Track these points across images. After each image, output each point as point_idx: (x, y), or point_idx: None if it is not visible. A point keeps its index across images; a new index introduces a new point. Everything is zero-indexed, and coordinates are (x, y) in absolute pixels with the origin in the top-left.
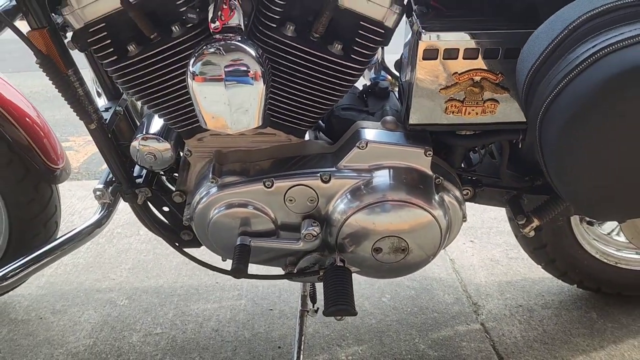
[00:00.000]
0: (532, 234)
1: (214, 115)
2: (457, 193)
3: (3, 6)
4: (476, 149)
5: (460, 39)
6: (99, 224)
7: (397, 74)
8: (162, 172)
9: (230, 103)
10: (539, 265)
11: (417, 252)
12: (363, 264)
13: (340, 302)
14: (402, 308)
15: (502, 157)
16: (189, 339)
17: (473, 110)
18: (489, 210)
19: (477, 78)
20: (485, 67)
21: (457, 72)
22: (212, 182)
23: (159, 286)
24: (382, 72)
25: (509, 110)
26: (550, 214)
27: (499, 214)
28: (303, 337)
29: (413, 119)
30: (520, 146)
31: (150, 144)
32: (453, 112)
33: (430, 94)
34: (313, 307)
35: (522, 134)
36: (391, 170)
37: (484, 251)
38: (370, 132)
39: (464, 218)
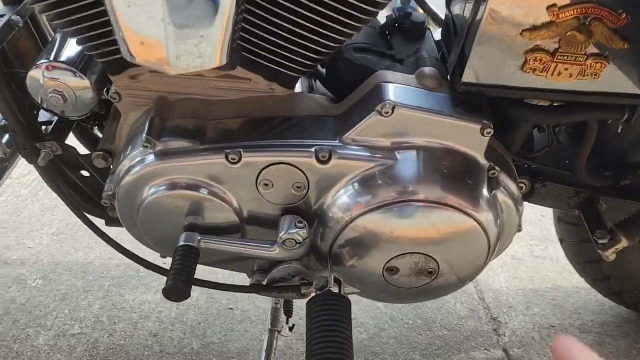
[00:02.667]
0: (613, 257)
1: (143, 40)
2: (514, 189)
3: None
4: (543, 127)
5: None
6: None
7: (434, 10)
8: (85, 121)
9: (171, 20)
10: (586, 279)
11: (449, 276)
12: (366, 285)
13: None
14: (402, 320)
15: (583, 143)
16: (115, 347)
17: (567, 69)
18: None
19: (587, 17)
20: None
21: (555, 5)
22: (147, 145)
23: (87, 262)
24: (412, 3)
25: (619, 75)
26: None
27: None
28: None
29: (469, 76)
30: (619, 130)
31: (59, 76)
32: (534, 70)
33: (505, 38)
34: (287, 322)
35: (629, 114)
36: (426, 152)
37: None
38: (399, 89)
39: (519, 227)
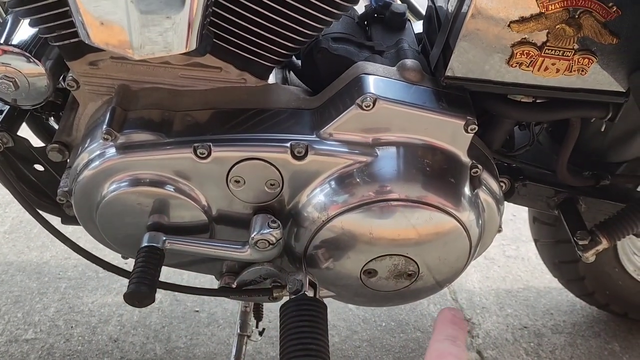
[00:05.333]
0: (593, 259)
1: (103, 20)
2: (496, 188)
3: None
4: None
5: None
6: None
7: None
8: (39, 111)
9: None
10: (560, 280)
11: (429, 278)
12: (342, 288)
13: None
14: (374, 322)
15: (565, 142)
16: (72, 353)
17: (554, 64)
18: None
19: (577, 10)
20: None
21: None
22: (107, 138)
23: (42, 263)
24: None
25: (606, 72)
26: (627, 233)
27: None
28: None
29: (454, 69)
30: (602, 129)
31: (10, 61)
32: (521, 65)
33: (492, 31)
34: (257, 326)
35: (614, 112)
36: (407, 149)
37: None
38: (380, 82)
39: (499, 228)
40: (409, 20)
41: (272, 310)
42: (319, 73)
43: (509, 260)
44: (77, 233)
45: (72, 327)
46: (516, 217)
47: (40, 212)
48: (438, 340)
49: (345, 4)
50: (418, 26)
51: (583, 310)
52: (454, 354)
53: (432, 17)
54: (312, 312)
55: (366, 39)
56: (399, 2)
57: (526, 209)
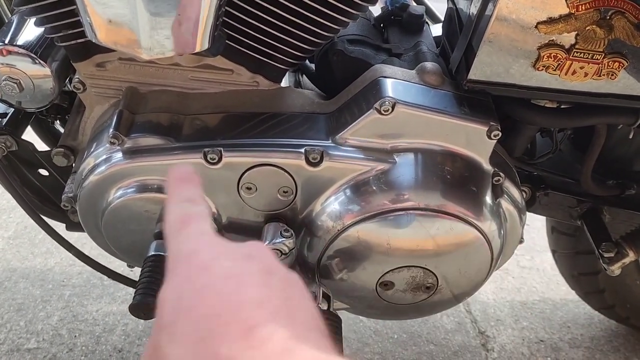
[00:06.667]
0: (618, 272)
1: (112, 19)
2: (518, 197)
3: None
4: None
5: None
6: None
7: (425, 2)
8: (44, 114)
9: None
10: (577, 292)
11: (447, 292)
12: (355, 299)
13: None
14: (386, 334)
15: (590, 150)
16: None
17: (582, 68)
18: None
19: (608, 10)
20: None
21: None
22: (114, 142)
23: (46, 269)
24: None
25: (636, 77)
26: None
27: None
28: None
29: (477, 72)
30: (630, 136)
31: (15, 62)
32: (547, 68)
33: (518, 32)
34: None
35: None
36: (427, 156)
37: None
38: (399, 85)
39: (521, 238)
40: (426, 22)
41: None
42: (334, 76)
43: (523, 270)
44: (81, 240)
45: (75, 336)
46: (530, 226)
47: (45, 218)
48: (176, 205)
49: (363, 3)
50: (435, 29)
51: (601, 323)
52: (198, 213)
53: (453, 19)
54: (326, 327)
55: (383, 41)
56: (415, 4)
57: (540, 217)
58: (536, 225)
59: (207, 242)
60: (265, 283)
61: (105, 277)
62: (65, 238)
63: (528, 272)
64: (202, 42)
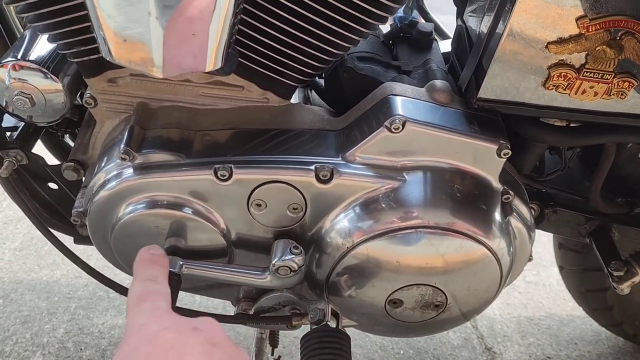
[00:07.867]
0: (627, 291)
1: (127, 38)
2: (527, 215)
3: None
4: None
5: None
6: None
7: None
8: (55, 128)
9: (160, 14)
10: (585, 308)
11: (456, 310)
12: (363, 316)
13: None
14: (392, 350)
15: (599, 168)
16: None
17: (592, 87)
18: None
19: (619, 31)
20: None
21: (586, 17)
22: (125, 157)
23: (53, 281)
24: (414, 13)
25: None
26: None
27: None
28: None
29: (487, 90)
30: None
31: (28, 77)
32: (557, 87)
33: (528, 51)
34: (272, 353)
35: None
36: (437, 174)
37: None
38: (409, 103)
39: (530, 256)
40: (435, 39)
41: (286, 335)
42: (344, 93)
43: (529, 286)
44: (87, 251)
45: (81, 349)
46: (536, 240)
47: (52, 231)
48: (139, 283)
49: (375, 22)
50: (443, 45)
51: (609, 340)
52: (156, 291)
53: (462, 37)
54: (335, 345)
55: (392, 58)
56: (424, 22)
57: (546, 232)
58: (542, 240)
59: (158, 316)
60: (207, 355)
61: (112, 290)
62: (73, 251)
63: (534, 287)
64: (215, 61)
